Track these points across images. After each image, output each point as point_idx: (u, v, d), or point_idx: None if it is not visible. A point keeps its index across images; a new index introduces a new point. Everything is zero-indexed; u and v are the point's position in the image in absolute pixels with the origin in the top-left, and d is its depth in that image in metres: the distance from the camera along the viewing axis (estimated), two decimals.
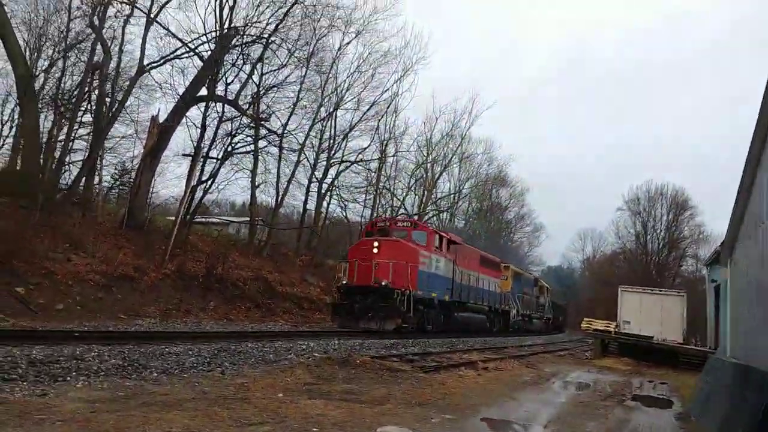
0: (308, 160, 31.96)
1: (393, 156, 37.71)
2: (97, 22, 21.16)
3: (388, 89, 34.22)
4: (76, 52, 22.94)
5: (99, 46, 21.40)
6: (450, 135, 42.60)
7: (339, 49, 31.26)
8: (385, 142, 36.43)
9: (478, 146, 47.41)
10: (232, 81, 24.79)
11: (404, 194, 40.16)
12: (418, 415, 6.15)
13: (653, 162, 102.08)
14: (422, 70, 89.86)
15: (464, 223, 50.40)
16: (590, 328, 24.44)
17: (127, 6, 21.79)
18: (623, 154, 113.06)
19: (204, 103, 23.92)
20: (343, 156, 33.50)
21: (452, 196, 45.98)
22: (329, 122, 32.50)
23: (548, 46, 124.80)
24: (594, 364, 17.17)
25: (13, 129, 25.78)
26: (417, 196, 41.96)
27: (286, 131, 28.79)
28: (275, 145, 28.92)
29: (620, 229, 62.68)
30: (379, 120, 34.85)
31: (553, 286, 50.93)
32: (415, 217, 34.54)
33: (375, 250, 17.78)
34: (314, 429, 5.09)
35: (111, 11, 21.58)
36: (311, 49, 27.69)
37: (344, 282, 17.88)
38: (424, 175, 41.90)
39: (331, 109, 32.14)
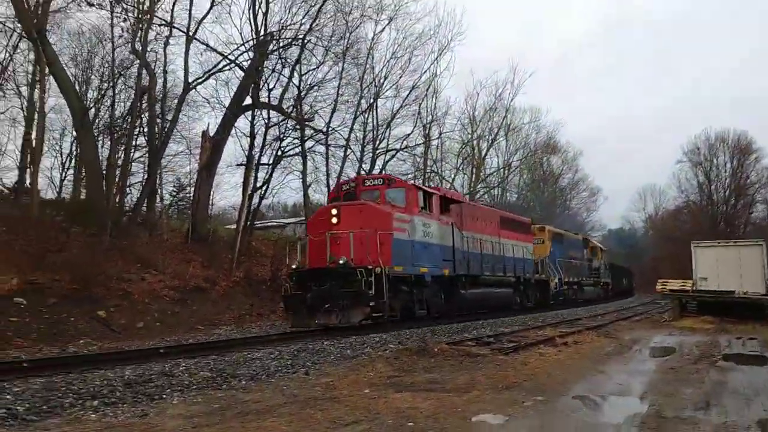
0: (354, 154, 32.18)
1: (437, 138, 37.44)
2: (139, 47, 21.84)
3: (426, 71, 33.94)
4: (123, 79, 23.83)
5: (144, 71, 22.10)
6: (493, 108, 41.94)
7: (373, 38, 31.18)
8: (428, 125, 36.22)
9: (523, 116, 46.48)
10: (274, 86, 25.24)
11: (453, 175, 39.84)
12: (508, 400, 6.08)
13: (711, 110, 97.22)
14: (459, 46, 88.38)
15: (517, 197, 49.61)
16: (665, 289, 23.54)
17: (166, 27, 22.43)
18: (678, 107, 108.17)
19: (250, 112, 24.42)
20: (388, 145, 33.56)
21: (502, 170, 45.29)
22: (371, 113, 32.55)
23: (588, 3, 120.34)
24: (674, 326, 16.58)
25: (74, 160, 27.13)
26: (466, 176, 41.56)
27: (330, 128, 29.06)
28: (322, 144, 29.19)
29: (682, 182, 60.17)
30: (420, 103, 34.66)
31: (610, 248, 48.71)
32: (466, 197, 34.14)
33: (334, 220, 13.80)
34: (409, 423, 5.10)
35: (151, 35, 22.25)
36: (346, 43, 27.70)
37: (294, 267, 14.26)
38: (471, 153, 41.40)
39: (371, 100, 32.16)
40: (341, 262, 13.18)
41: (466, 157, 40.85)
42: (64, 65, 21.89)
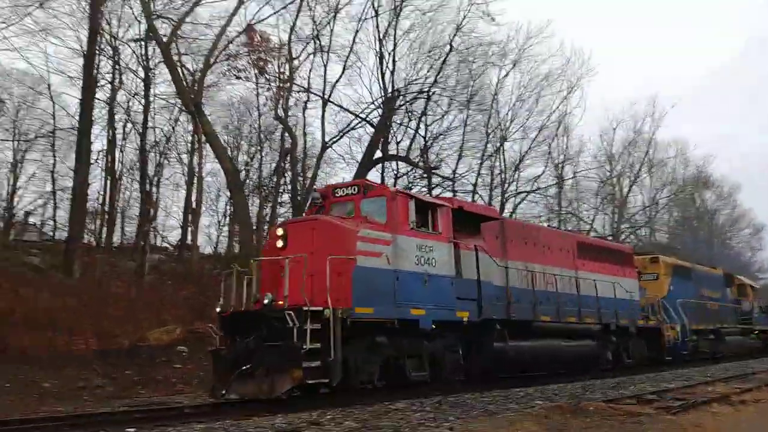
0: (482, 199, 31.92)
1: (572, 178, 36.08)
2: (281, 113, 23.93)
3: (554, 111, 33.27)
4: (268, 143, 26.22)
5: (286, 134, 24.14)
6: (633, 143, 39.69)
7: (497, 83, 31.30)
8: (561, 165, 35.17)
9: (667, 150, 43.35)
10: (402, 138, 26.23)
11: (592, 216, 37.80)
12: None
13: None
14: (591, 82, 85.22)
15: (668, 237, 45.62)
16: None
17: (304, 93, 24.44)
18: None
19: (380, 164, 25.46)
20: (517, 188, 33.01)
21: (647, 209, 42.15)
22: (498, 157, 32.36)
23: (729, 26, 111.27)
24: None
25: (227, 218, 29.90)
26: (607, 216, 39.23)
27: (457, 175, 29.31)
28: (449, 190, 29.45)
29: None
30: (551, 143, 33.90)
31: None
32: (609, 239, 32.01)
33: (279, 243, 10.40)
34: None
35: (291, 101, 24.34)
36: (470, 91, 28.15)
37: (218, 309, 10.38)
38: (612, 192, 39.13)
39: (498, 144, 31.99)
40: (265, 301, 9.67)
41: (605, 196, 38.66)
42: (217, 133, 24.53)
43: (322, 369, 9.17)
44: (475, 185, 30.80)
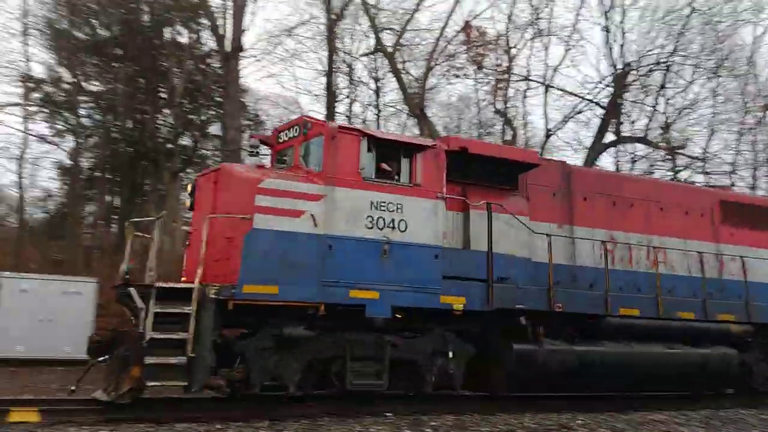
0: (743, 180, 27.44)
1: None
2: (500, 106, 23.77)
3: None
4: (487, 136, 26.19)
5: (506, 126, 23.88)
6: None
7: (753, 43, 26.73)
8: None
9: None
10: (638, 117, 24.00)
11: None
12: None
13: None
14: None
15: None
16: None
17: (523, 81, 23.89)
18: None
19: (613, 148, 23.70)
20: None
21: None
22: (761, 130, 27.46)
23: None
24: None
25: None
26: None
27: (708, 154, 25.69)
28: (699, 172, 25.94)
29: None
30: None
31: None
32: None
33: (188, 202, 8.79)
34: None
35: (510, 92, 24.04)
36: (721, 56, 24.45)
37: (117, 280, 8.03)
38: None
39: (760, 115, 27.16)
40: (122, 269, 7.48)
41: None
42: (440, 134, 25.29)
43: (175, 370, 6.98)
44: (733, 164, 26.68)
